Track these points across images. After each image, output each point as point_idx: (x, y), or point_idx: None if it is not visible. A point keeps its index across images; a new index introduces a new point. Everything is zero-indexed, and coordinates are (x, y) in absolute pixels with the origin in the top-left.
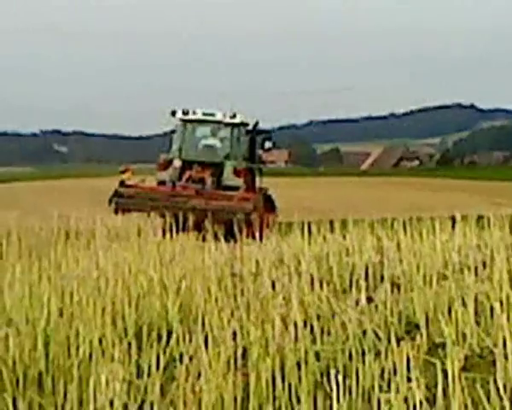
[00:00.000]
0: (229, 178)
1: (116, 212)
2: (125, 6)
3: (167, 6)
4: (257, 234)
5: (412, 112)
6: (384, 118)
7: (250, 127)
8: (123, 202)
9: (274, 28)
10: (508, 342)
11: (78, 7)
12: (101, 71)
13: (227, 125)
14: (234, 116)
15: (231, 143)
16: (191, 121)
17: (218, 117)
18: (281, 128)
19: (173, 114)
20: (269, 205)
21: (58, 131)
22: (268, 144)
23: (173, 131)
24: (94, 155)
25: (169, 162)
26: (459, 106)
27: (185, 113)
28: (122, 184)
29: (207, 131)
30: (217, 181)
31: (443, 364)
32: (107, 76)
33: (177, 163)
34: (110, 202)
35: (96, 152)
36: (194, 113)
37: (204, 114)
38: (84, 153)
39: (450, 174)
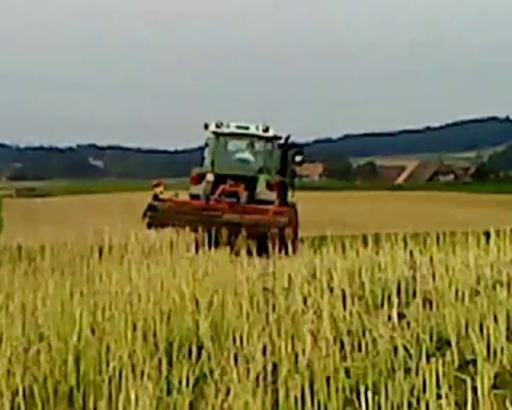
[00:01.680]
0: (262, 192)
1: (149, 226)
2: (163, 18)
3: (202, 20)
4: (290, 248)
5: (448, 125)
6: (420, 131)
7: (282, 141)
8: (156, 216)
9: (311, 42)
10: None
11: (118, 18)
12: (137, 84)
13: (260, 138)
14: (267, 130)
15: (264, 157)
16: (224, 135)
17: (252, 130)
18: (316, 142)
19: (206, 127)
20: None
21: (94, 146)
22: (299, 158)
23: (206, 145)
24: (129, 170)
25: (202, 176)
26: (494, 119)
27: (218, 126)
28: (155, 198)
29: (240, 145)
30: (250, 195)
31: (473, 381)
32: (143, 89)
33: (210, 177)
34: (144, 215)
35: (131, 166)
36: (227, 126)
37: (237, 127)
38: (120, 167)
39: (484, 189)
